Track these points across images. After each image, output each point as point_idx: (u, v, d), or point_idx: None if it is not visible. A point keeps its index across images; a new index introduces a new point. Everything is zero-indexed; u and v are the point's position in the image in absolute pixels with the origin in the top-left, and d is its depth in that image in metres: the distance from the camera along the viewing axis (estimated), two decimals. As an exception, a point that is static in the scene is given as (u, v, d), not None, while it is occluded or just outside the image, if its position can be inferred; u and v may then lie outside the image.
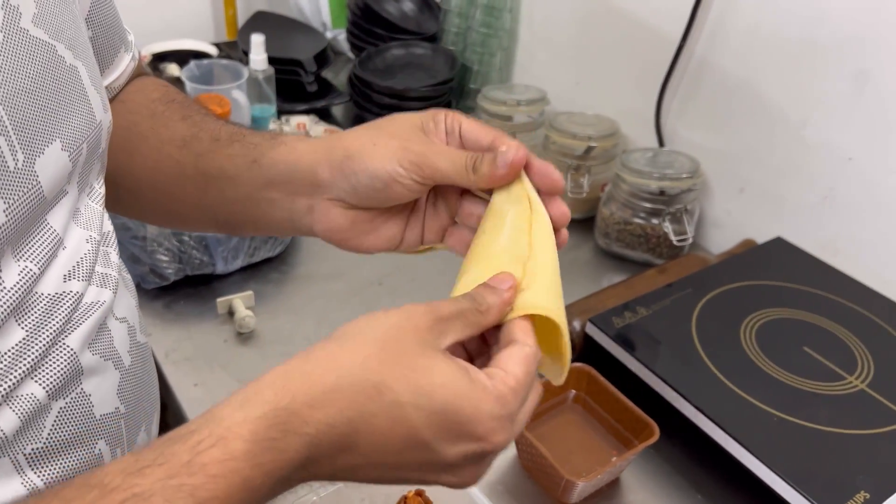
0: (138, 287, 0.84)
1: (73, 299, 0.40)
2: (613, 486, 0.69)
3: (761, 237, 0.95)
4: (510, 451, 0.71)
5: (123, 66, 0.54)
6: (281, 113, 1.20)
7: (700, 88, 0.99)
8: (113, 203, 0.51)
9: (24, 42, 0.37)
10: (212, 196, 0.51)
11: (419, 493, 0.62)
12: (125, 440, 0.45)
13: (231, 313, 0.84)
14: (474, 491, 0.59)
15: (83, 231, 0.42)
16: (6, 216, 0.35)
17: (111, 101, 0.55)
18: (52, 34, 0.39)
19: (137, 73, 0.59)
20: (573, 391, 0.75)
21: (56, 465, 0.39)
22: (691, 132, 1.02)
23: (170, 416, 0.77)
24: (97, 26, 0.50)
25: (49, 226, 0.39)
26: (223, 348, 0.80)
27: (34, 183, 0.36)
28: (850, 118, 0.85)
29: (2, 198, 0.34)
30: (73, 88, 0.40)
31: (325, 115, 1.24)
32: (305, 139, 0.49)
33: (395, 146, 0.44)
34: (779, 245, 0.92)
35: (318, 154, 0.47)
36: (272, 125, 1.15)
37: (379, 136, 0.45)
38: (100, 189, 0.46)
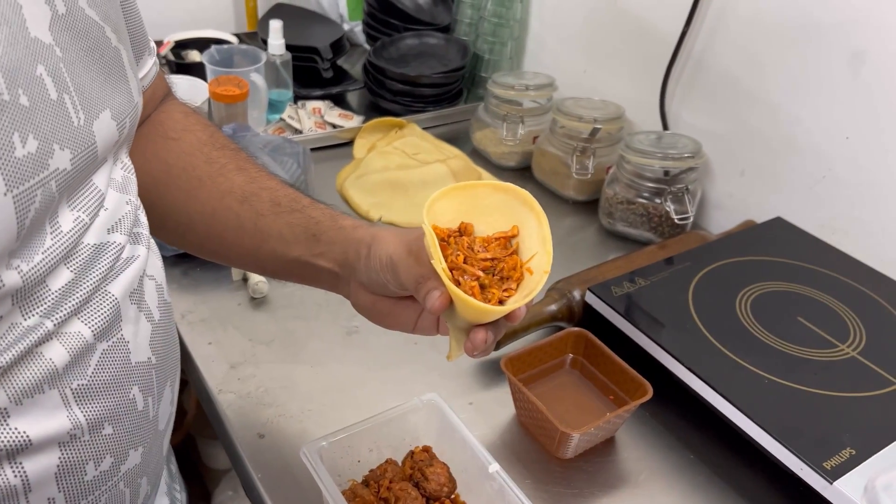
0: (157, 254, 0.87)
1: (115, 250, 0.44)
2: (608, 444, 0.72)
3: (762, 219, 0.97)
4: (509, 410, 0.74)
5: (147, 68, 0.58)
6: (297, 98, 1.24)
7: (703, 75, 1.02)
8: (157, 230, 0.55)
9: (81, 18, 0.41)
10: (265, 251, 0.57)
11: (426, 449, 0.65)
12: (155, 390, 0.48)
13: (245, 279, 0.87)
14: (475, 445, 0.62)
15: (121, 194, 0.46)
16: (71, 165, 0.39)
17: (147, 119, 0.60)
18: (101, 17, 0.43)
19: (164, 91, 0.63)
20: (570, 355, 0.77)
21: (97, 403, 0.42)
22: (694, 117, 1.05)
23: (185, 373, 0.80)
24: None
25: (94, 185, 0.43)
26: (237, 311, 0.84)
27: (91, 141, 0.41)
28: (846, 99, 0.87)
29: (69, 148, 0.38)
30: (117, 68, 0.45)
31: (339, 101, 1.28)
32: (359, 225, 0.55)
33: (392, 249, 0.50)
34: (778, 224, 0.94)
35: (359, 245, 0.53)
36: (288, 109, 1.19)
37: (388, 239, 0.51)
38: (128, 163, 0.49)
